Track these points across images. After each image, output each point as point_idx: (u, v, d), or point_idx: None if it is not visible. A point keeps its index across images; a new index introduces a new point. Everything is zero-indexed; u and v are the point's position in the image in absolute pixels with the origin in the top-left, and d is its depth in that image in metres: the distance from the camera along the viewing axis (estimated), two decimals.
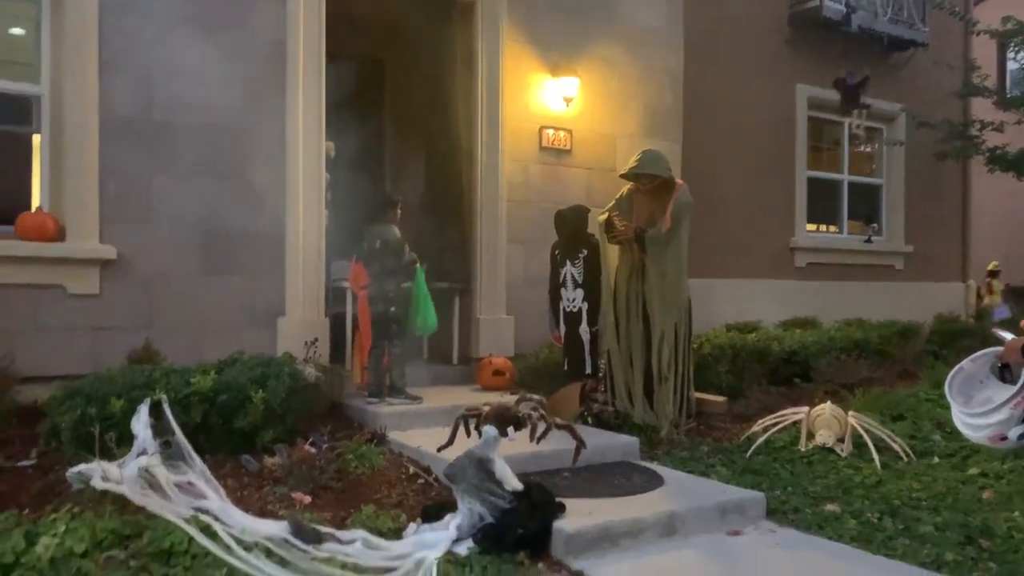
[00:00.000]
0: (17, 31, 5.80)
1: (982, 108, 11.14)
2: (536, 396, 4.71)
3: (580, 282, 6.36)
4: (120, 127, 5.62)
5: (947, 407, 6.92)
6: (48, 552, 3.24)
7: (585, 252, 6.36)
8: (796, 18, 10.00)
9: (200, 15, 5.91)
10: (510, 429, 4.30)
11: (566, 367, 6.40)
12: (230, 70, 6.01)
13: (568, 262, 6.43)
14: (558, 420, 4.49)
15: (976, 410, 2.67)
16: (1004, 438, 2.57)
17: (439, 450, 4.55)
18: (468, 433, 4.43)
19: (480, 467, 4.02)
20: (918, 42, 10.78)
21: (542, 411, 4.46)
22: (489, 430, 4.19)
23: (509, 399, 6.10)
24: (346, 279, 6.54)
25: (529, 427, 4.36)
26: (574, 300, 6.39)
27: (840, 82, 10.00)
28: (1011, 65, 13.33)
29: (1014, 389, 2.56)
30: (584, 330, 6.34)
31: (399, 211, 6.25)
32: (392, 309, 5.93)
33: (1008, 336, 2.66)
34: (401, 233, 6.10)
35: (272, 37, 6.19)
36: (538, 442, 4.37)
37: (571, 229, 6.48)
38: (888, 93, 10.82)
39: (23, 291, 5.31)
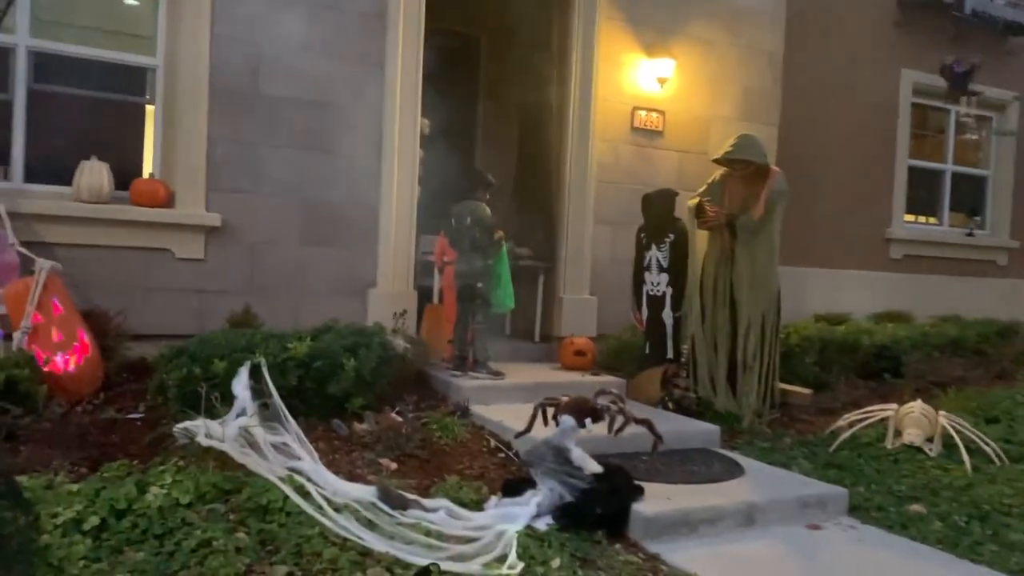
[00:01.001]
0: (133, 2, 6.08)
1: None
2: (614, 390, 4.76)
3: (665, 266, 6.34)
4: (229, 99, 5.86)
5: None
6: (157, 501, 3.47)
7: (672, 236, 6.33)
8: (905, 0, 9.61)
9: None
10: (587, 420, 4.36)
11: (648, 351, 6.41)
12: (333, 45, 6.17)
13: (654, 246, 6.41)
14: (636, 414, 4.52)
15: None
16: None
17: (517, 436, 4.66)
18: (546, 422, 4.51)
19: (558, 454, 4.11)
20: None
21: (621, 404, 4.51)
22: (567, 420, 4.27)
23: (590, 379, 6.24)
24: (433, 253, 6.71)
25: (607, 419, 4.42)
26: (658, 284, 6.38)
27: (947, 69, 9.56)
28: None
29: None
30: (668, 314, 6.33)
31: (489, 191, 6.34)
32: (479, 284, 6.05)
33: None
34: (491, 211, 6.19)
35: (374, 11, 6.32)
36: (616, 435, 4.42)
37: (658, 212, 6.45)
38: (1000, 80, 10.31)
39: (135, 253, 5.62)
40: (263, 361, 4.43)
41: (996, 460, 5.32)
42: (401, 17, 6.36)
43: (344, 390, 4.92)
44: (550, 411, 4.51)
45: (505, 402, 5.61)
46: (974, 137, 10.91)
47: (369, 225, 6.34)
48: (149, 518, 3.39)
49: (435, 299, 6.76)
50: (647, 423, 4.49)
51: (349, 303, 6.19)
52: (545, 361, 6.92)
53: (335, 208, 6.21)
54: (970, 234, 10.46)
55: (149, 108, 6.00)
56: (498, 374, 6.03)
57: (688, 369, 6.22)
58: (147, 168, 6.00)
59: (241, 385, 4.25)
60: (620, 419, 4.44)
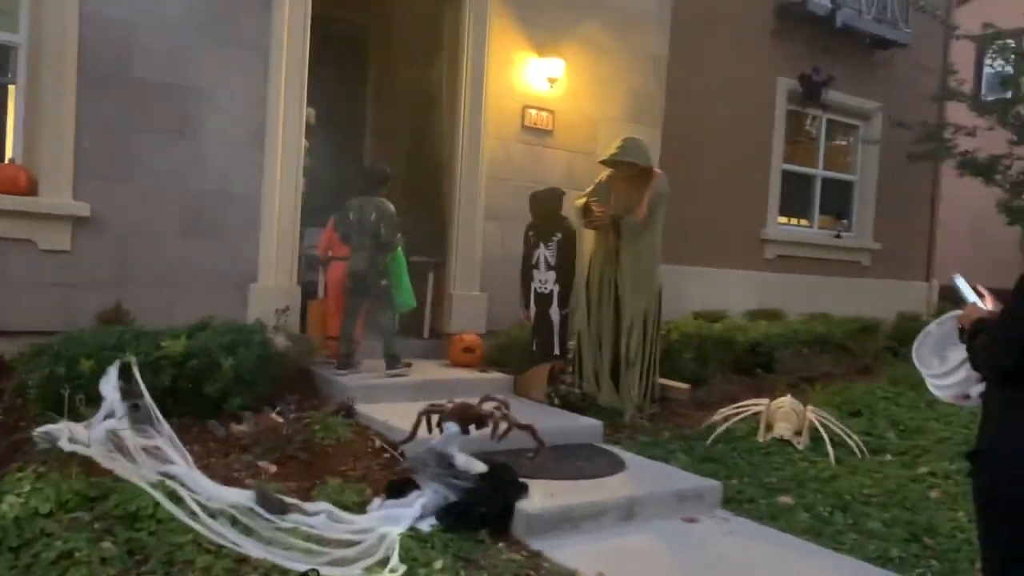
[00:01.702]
0: None
1: (957, 112, 11.30)
2: (500, 396, 4.79)
3: (553, 264, 6.42)
4: (99, 82, 5.53)
5: (901, 405, 7.09)
6: (13, 511, 3.26)
7: (559, 235, 6.42)
8: (783, 10, 10.03)
9: None
10: (471, 427, 4.38)
11: (535, 347, 6.47)
12: (213, 27, 5.92)
13: (542, 244, 6.48)
14: (520, 419, 4.56)
15: (938, 371, 2.77)
16: (967, 396, 2.67)
17: (401, 444, 4.63)
18: (430, 429, 4.51)
19: (441, 459, 4.11)
20: (899, 42, 10.88)
21: (505, 410, 4.54)
22: (450, 426, 4.29)
23: (479, 376, 6.26)
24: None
25: (491, 425, 4.44)
26: (546, 282, 6.45)
27: (805, 78, 10.09)
28: (987, 70, 13.50)
29: None
30: (555, 311, 6.41)
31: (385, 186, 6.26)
32: (383, 282, 6.02)
33: (965, 288, 2.73)
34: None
35: None
36: (499, 441, 4.45)
37: (545, 211, 6.53)
38: (867, 91, 10.94)
39: None
40: (134, 360, 4.23)
41: (858, 453, 5.65)
42: (287, 1, 6.18)
43: (221, 390, 4.75)
44: (435, 418, 4.50)
45: (392, 400, 5.54)
46: (843, 142, 11.53)
47: (250, 217, 6.12)
48: (4, 529, 3.19)
49: (320, 294, 6.61)
50: (530, 429, 4.53)
51: (229, 298, 5.97)
52: (434, 357, 6.89)
53: (214, 198, 5.97)
54: (838, 236, 11.06)
55: (11, 88, 5.60)
56: (408, 365, 6.08)
57: (574, 365, 6.33)
58: (7, 153, 5.60)
59: (110, 386, 4.06)
60: (504, 425, 4.47)
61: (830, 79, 10.11)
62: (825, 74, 10.07)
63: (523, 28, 7.48)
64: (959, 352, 2.65)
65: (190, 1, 5.82)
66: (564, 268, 6.41)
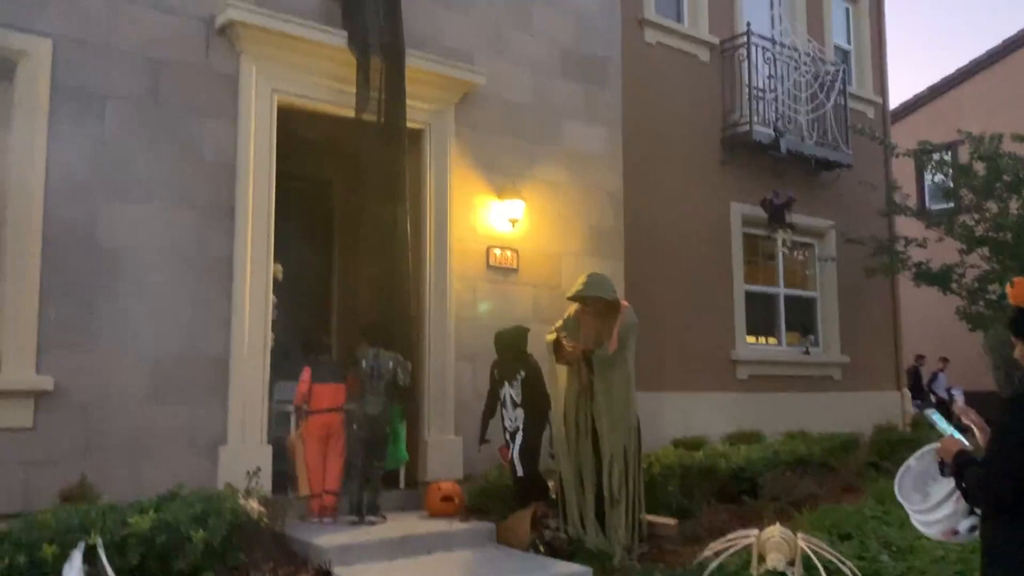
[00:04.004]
0: None
1: (907, 225, 11.74)
2: None
3: (518, 402, 6.40)
4: (64, 251, 5.53)
5: (891, 524, 6.96)
6: None
7: (523, 373, 6.43)
8: (728, 141, 10.51)
9: (150, 132, 5.94)
10: None
11: (514, 487, 6.34)
12: (179, 190, 6.01)
13: (507, 382, 6.48)
14: None
15: (923, 506, 2.71)
16: (956, 532, 2.61)
17: None
18: None
19: None
20: (843, 163, 11.39)
21: None
22: None
23: (459, 527, 6.08)
24: (290, 401, 6.44)
25: None
26: (515, 419, 6.41)
27: (767, 203, 10.46)
28: (928, 182, 14.16)
29: (953, 483, 2.60)
30: (520, 448, 6.32)
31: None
32: (388, 430, 6.29)
33: (941, 422, 2.72)
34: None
35: (223, 159, 6.24)
36: None
37: (509, 349, 6.57)
38: (818, 210, 11.35)
39: None
40: (99, 542, 4.04)
41: None
42: (251, 165, 6.32)
43: (192, 565, 4.53)
44: None
45: (370, 560, 5.34)
46: (800, 257, 11.84)
47: (218, 377, 6.03)
48: None
49: (292, 432, 6.50)
50: None
51: (198, 462, 5.81)
52: (411, 509, 6.67)
53: (182, 361, 5.89)
54: (806, 352, 11.18)
55: None
56: (383, 519, 6.14)
57: (558, 507, 6.17)
58: None
59: (74, 571, 3.86)
60: None
61: (791, 200, 10.45)
62: (784, 195, 10.43)
63: (483, 173, 7.71)
64: (941, 486, 2.63)
65: (154, 167, 5.92)
66: (531, 405, 6.40)
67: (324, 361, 6.54)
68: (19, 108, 5.50)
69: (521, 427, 6.36)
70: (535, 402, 6.40)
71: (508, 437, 6.44)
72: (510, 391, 6.45)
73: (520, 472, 6.31)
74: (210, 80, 6.25)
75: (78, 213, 5.61)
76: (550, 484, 6.42)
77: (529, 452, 6.35)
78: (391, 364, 6.32)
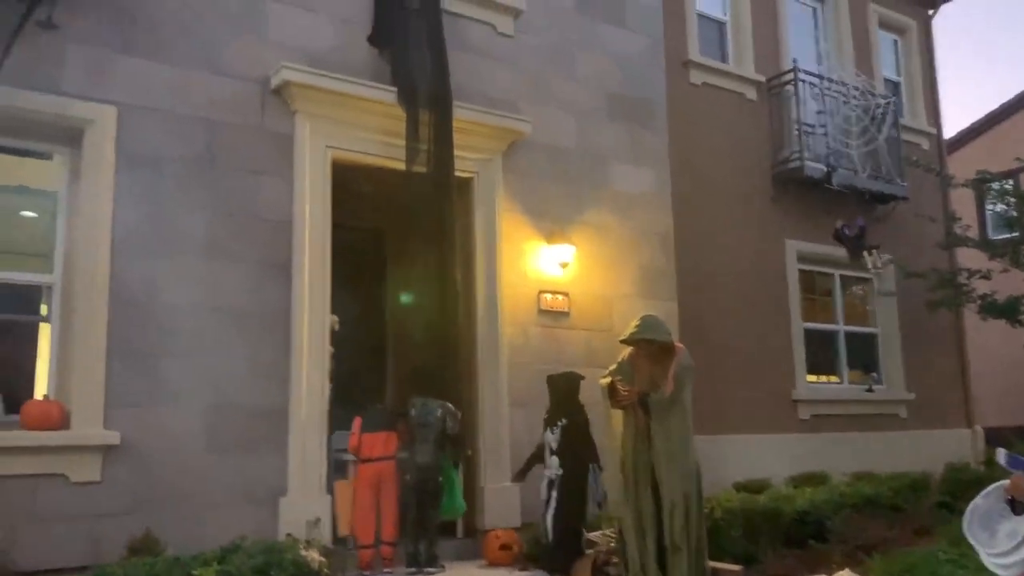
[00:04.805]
0: (30, 214, 6.01)
1: (968, 256, 11.43)
2: None
3: (554, 449, 6.32)
4: (129, 311, 5.71)
5: (967, 567, 6.69)
6: None
7: (564, 421, 6.35)
8: (779, 178, 10.41)
9: (209, 196, 6.13)
10: None
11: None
12: (237, 247, 6.19)
13: (549, 429, 6.42)
14: None
15: (998, 549, 2.61)
16: None
17: None
18: None
19: None
20: (898, 196, 11.18)
21: None
22: None
23: (518, 575, 6.00)
24: (347, 450, 6.50)
25: None
26: (552, 467, 6.32)
27: (840, 235, 10.21)
28: (989, 211, 13.78)
29: None
30: (555, 497, 6.20)
31: None
32: (441, 479, 6.25)
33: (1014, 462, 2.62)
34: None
35: (278, 215, 6.41)
36: None
37: (559, 394, 6.54)
38: (875, 243, 11.11)
39: (23, 481, 5.23)
40: None
41: None
42: (307, 220, 6.47)
43: None
44: None
45: None
46: (860, 291, 11.58)
47: (278, 428, 6.13)
48: None
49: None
50: None
51: (258, 513, 5.88)
52: (469, 558, 6.63)
53: (243, 413, 6.00)
54: (869, 390, 10.88)
55: (43, 327, 5.79)
56: (442, 568, 6.13)
57: (619, 555, 6.05)
58: (41, 389, 5.71)
59: None
60: None
61: (863, 227, 10.22)
62: (855, 225, 10.20)
63: (531, 219, 7.77)
64: (1009, 524, 2.54)
65: (211, 225, 6.11)
66: (571, 454, 6.27)
67: (375, 410, 6.57)
68: (86, 172, 5.75)
69: (557, 482, 6.23)
70: (576, 450, 6.28)
71: (546, 487, 6.35)
72: (550, 437, 6.39)
73: (551, 537, 6.16)
74: (265, 139, 6.46)
75: (140, 272, 5.81)
76: (600, 536, 6.26)
77: (565, 516, 6.18)
78: (439, 412, 6.31)
